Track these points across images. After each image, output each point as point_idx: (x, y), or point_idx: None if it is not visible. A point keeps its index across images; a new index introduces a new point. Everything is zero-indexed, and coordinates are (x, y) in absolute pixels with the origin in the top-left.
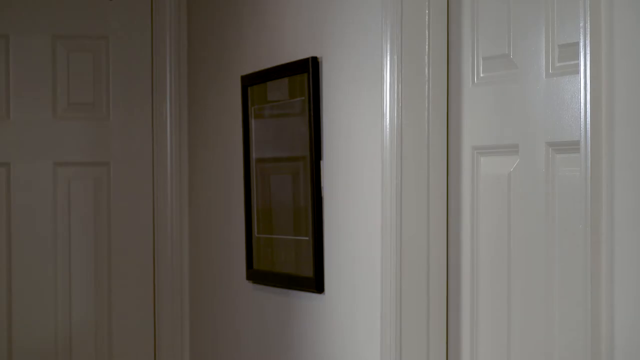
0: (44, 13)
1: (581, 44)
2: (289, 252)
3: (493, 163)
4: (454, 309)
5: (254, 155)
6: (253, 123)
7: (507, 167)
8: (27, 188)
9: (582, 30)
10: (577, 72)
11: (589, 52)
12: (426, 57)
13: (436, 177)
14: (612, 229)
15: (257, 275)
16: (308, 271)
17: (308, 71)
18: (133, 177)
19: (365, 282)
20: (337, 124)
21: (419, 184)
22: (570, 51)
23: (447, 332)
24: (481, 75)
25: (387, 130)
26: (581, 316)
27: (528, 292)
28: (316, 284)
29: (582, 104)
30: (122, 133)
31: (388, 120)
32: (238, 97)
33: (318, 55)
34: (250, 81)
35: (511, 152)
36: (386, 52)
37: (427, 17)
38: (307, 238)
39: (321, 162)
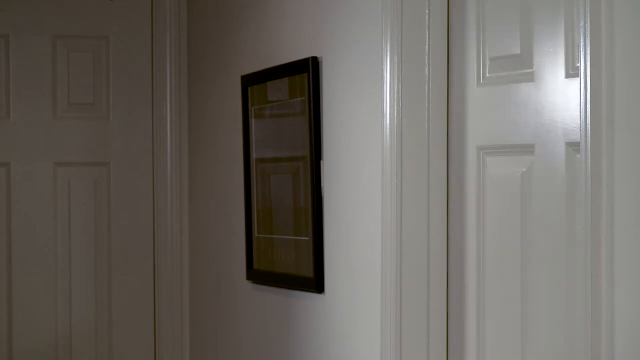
0: (44, 13)
1: (581, 44)
2: (289, 252)
3: (503, 163)
4: (454, 308)
5: (254, 155)
6: (253, 123)
7: (519, 167)
8: (27, 188)
9: (582, 30)
10: None
11: (589, 52)
12: (426, 57)
13: (436, 177)
14: (612, 229)
15: (257, 275)
16: (308, 271)
17: (308, 71)
18: (133, 177)
19: (365, 282)
20: (337, 124)
21: (419, 184)
22: None
23: (447, 332)
24: (487, 75)
25: (387, 130)
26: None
27: (538, 293)
28: (316, 284)
29: (582, 104)
30: (122, 133)
31: (388, 120)
32: (238, 97)
33: (318, 55)
34: (250, 81)
35: (524, 152)
36: (386, 52)
37: (427, 17)
38: (307, 238)
39: (321, 162)
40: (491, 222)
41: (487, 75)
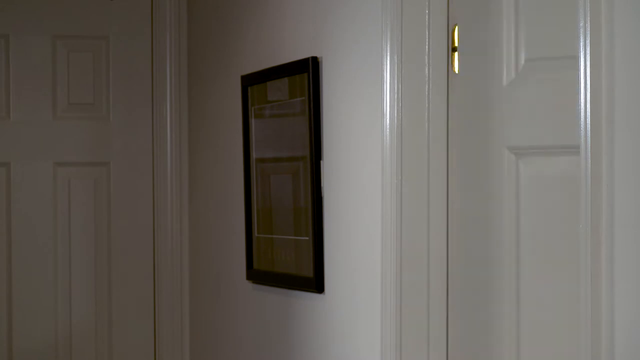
0: (44, 13)
1: (581, 44)
2: (289, 252)
3: (547, 164)
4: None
5: (254, 155)
6: (253, 123)
7: (570, 168)
8: (27, 188)
9: (582, 30)
10: None
11: (589, 52)
12: (426, 57)
13: (436, 176)
14: (612, 229)
15: (257, 275)
16: (308, 271)
17: (308, 71)
18: (133, 177)
19: (365, 282)
20: (337, 124)
21: (419, 184)
22: None
23: (447, 332)
24: (519, 74)
25: (387, 130)
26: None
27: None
28: (316, 284)
29: (582, 104)
30: (122, 133)
31: (388, 120)
32: (238, 97)
33: (318, 55)
34: (250, 81)
35: (571, 153)
36: (386, 52)
37: (427, 17)
38: (307, 238)
39: (321, 162)
40: (532, 224)
41: (520, 74)
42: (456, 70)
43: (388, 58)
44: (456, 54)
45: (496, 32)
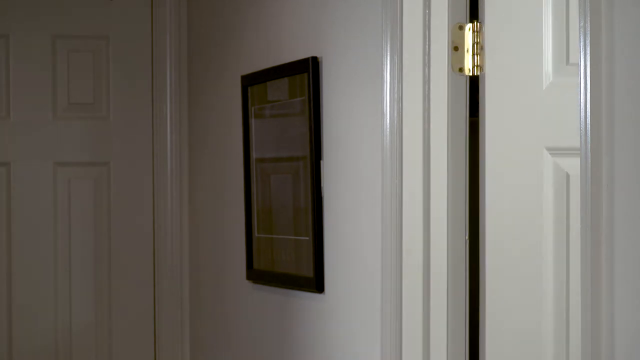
0: (44, 13)
1: (581, 44)
2: (289, 252)
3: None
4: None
5: (254, 155)
6: (253, 123)
7: None
8: (27, 188)
9: (582, 30)
10: None
11: (589, 52)
12: (426, 57)
13: (437, 176)
14: (612, 229)
15: (257, 275)
16: (308, 271)
17: (308, 71)
18: (133, 177)
19: (365, 282)
20: (337, 124)
21: (418, 184)
22: None
23: (447, 332)
24: (552, 79)
25: (387, 130)
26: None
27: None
28: (316, 284)
29: (582, 105)
30: (122, 133)
31: (388, 120)
32: (238, 97)
33: (318, 55)
34: (250, 81)
35: None
36: (386, 52)
37: (427, 17)
38: (307, 238)
39: (321, 162)
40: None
41: (554, 79)
42: (485, 69)
43: (388, 58)
44: (484, 54)
45: (533, 35)
